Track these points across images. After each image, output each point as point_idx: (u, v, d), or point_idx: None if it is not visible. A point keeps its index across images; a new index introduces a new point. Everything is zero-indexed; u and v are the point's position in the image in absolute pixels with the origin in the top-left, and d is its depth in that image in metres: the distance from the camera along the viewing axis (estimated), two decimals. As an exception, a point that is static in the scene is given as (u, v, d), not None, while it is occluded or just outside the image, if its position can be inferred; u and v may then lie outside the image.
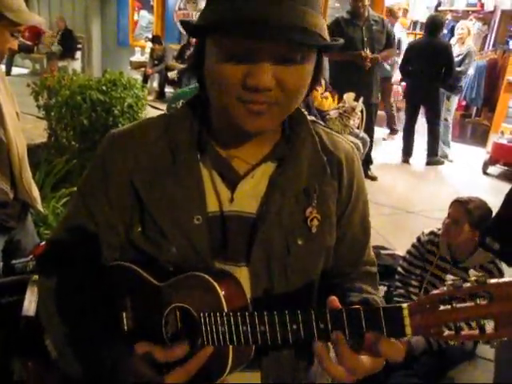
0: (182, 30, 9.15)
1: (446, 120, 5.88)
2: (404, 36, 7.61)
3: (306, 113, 0.84)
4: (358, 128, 4.33)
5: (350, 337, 0.63)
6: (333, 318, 0.63)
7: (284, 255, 0.78)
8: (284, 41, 0.62)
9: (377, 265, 0.95)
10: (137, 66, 8.99)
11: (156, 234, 0.77)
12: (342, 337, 0.62)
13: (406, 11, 8.86)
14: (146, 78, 8.20)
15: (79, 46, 9.78)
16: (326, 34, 0.67)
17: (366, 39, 4.40)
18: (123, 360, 0.72)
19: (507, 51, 7.82)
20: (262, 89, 0.64)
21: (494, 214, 1.98)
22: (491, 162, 5.53)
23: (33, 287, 1.40)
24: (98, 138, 3.26)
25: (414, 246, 2.35)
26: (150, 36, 9.20)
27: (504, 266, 2.08)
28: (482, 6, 8.27)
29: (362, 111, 4.28)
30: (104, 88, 3.37)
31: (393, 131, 6.73)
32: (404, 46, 6.48)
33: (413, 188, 5.00)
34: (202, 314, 0.70)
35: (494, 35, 8.57)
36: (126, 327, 0.78)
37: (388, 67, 6.52)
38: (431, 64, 5.15)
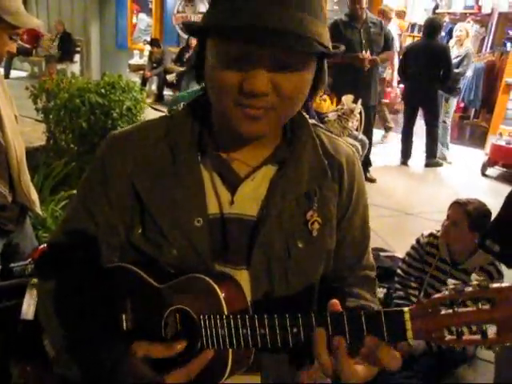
0: (180, 32, 9.18)
1: (444, 122, 5.88)
2: (395, 36, 7.61)
3: (307, 116, 0.84)
4: (356, 130, 4.33)
5: (351, 340, 0.63)
6: (333, 321, 0.63)
7: (284, 258, 0.78)
8: (280, 46, 0.62)
9: (376, 268, 0.95)
10: (135, 68, 9.00)
11: (156, 236, 0.77)
12: (343, 343, 0.62)
13: (403, 13, 8.89)
14: (144, 81, 8.21)
15: (78, 48, 9.79)
16: (326, 41, 0.67)
17: (364, 41, 4.41)
18: (123, 361, 0.72)
19: (505, 53, 7.84)
20: (258, 94, 0.64)
21: (492, 215, 1.98)
22: (490, 163, 5.54)
23: (31, 291, 1.40)
24: (96, 140, 3.25)
25: (413, 247, 2.35)
26: (149, 39, 9.22)
27: (504, 268, 2.08)
28: (480, 8, 8.29)
29: (360, 113, 4.29)
30: (103, 91, 3.37)
31: (387, 129, 6.71)
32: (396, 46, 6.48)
33: (412, 190, 5.00)
34: (201, 317, 0.69)
35: (491, 37, 8.60)
36: (125, 329, 0.78)
37: (381, 69, 6.53)
38: (429, 66, 5.16)
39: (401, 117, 6.34)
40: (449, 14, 8.78)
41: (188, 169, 0.77)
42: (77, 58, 9.77)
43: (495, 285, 0.55)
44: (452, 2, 8.58)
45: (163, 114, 0.91)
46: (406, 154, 5.76)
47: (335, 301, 0.65)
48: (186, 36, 8.70)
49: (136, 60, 9.36)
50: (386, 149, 6.27)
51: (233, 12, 0.62)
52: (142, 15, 10.36)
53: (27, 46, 9.40)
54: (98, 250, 0.82)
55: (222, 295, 0.69)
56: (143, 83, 7.96)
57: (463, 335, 0.57)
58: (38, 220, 2.47)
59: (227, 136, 0.78)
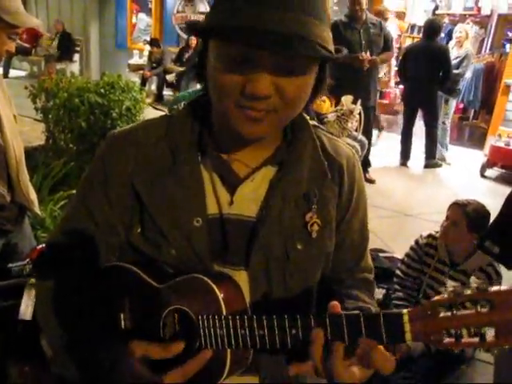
0: (180, 32, 9.18)
1: (443, 123, 5.89)
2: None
3: (308, 117, 0.84)
4: (356, 131, 4.33)
5: (349, 342, 0.63)
6: (332, 323, 0.63)
7: (283, 260, 0.77)
8: (281, 50, 0.61)
9: (375, 268, 0.95)
10: (135, 68, 8.99)
11: (155, 235, 0.77)
12: (341, 348, 0.63)
13: (403, 14, 8.90)
14: (144, 81, 8.21)
15: (77, 48, 9.77)
16: (330, 45, 0.67)
17: (364, 42, 4.41)
18: (121, 361, 0.71)
19: (504, 54, 7.85)
20: (260, 97, 0.64)
21: (491, 216, 1.98)
22: (489, 164, 5.55)
23: (29, 291, 1.39)
24: (96, 140, 3.25)
25: (412, 248, 2.35)
26: (149, 39, 9.21)
27: (502, 269, 2.08)
28: (479, 9, 8.30)
29: (359, 114, 4.29)
30: (102, 91, 3.37)
31: (381, 129, 6.69)
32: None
33: (411, 191, 5.00)
34: (200, 317, 0.69)
35: (490, 39, 8.61)
36: (123, 328, 0.78)
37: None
38: (429, 67, 5.16)
39: (400, 118, 6.34)
40: (448, 15, 8.78)
41: (188, 169, 0.77)
42: (76, 57, 9.76)
43: (494, 288, 0.55)
44: (451, 3, 8.59)
45: (163, 114, 0.91)
46: (405, 154, 5.76)
47: (335, 303, 0.65)
48: (185, 36, 8.70)
49: (135, 60, 9.36)
50: (385, 150, 6.28)
51: (233, 13, 0.62)
52: (142, 15, 10.35)
53: (26, 45, 9.38)
54: (97, 250, 0.82)
55: (220, 296, 0.68)
56: (143, 83, 7.96)
57: (462, 338, 0.57)
58: (36, 220, 2.46)
59: (227, 136, 0.78)
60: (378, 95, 6.31)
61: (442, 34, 7.15)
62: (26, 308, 1.36)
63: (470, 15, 8.50)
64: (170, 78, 8.18)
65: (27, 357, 1.39)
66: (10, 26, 1.45)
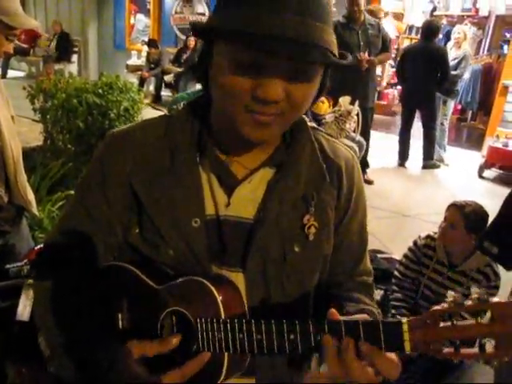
0: (178, 33, 9.17)
1: (442, 124, 5.90)
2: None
3: (307, 119, 0.84)
4: (354, 131, 4.33)
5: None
6: (331, 329, 0.63)
7: (280, 262, 0.77)
8: (299, 57, 0.62)
9: (373, 270, 0.95)
10: (133, 69, 8.99)
11: (154, 236, 0.77)
12: (352, 344, 0.62)
13: (401, 15, 8.92)
14: (142, 82, 8.20)
15: (75, 49, 9.76)
16: (335, 49, 0.68)
17: (362, 43, 4.42)
18: (119, 361, 0.71)
19: (502, 55, 7.87)
20: (271, 101, 0.64)
21: (490, 217, 1.98)
22: (487, 165, 5.56)
23: (27, 292, 1.39)
24: (94, 141, 3.24)
25: (410, 249, 2.35)
26: (147, 39, 9.21)
27: (500, 270, 2.08)
28: (477, 11, 8.32)
29: (357, 115, 4.29)
30: (100, 91, 3.36)
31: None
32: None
33: (409, 192, 5.01)
34: (198, 320, 0.69)
35: (488, 40, 8.64)
36: (121, 328, 0.78)
37: None
38: (427, 68, 5.17)
39: (398, 119, 6.35)
40: (446, 16, 8.81)
41: (187, 169, 0.77)
42: (74, 58, 9.74)
43: (495, 299, 0.55)
44: (450, 4, 8.61)
45: (162, 114, 0.91)
46: (403, 155, 5.77)
47: (334, 311, 0.65)
48: (183, 37, 8.71)
49: (134, 60, 9.36)
50: (383, 150, 6.28)
51: (246, 18, 0.61)
52: (140, 16, 10.34)
53: (25, 45, 9.37)
54: (95, 250, 0.82)
55: (219, 298, 0.68)
56: (141, 84, 7.95)
57: (461, 348, 0.57)
58: (34, 221, 2.45)
59: (227, 138, 0.78)
60: (376, 96, 6.33)
61: (440, 35, 7.17)
62: (24, 309, 1.36)
63: (468, 16, 8.53)
64: (168, 78, 8.18)
65: (25, 357, 1.39)
66: (8, 28, 1.45)
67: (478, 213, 2.13)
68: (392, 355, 0.63)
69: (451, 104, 6.04)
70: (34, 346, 1.24)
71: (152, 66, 8.37)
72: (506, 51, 7.78)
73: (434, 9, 8.91)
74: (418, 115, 5.80)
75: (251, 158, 0.79)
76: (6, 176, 1.64)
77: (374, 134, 5.87)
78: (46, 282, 0.83)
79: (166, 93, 8.49)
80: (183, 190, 0.76)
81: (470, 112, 8.66)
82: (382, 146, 6.53)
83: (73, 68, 9.36)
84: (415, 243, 2.34)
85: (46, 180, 2.98)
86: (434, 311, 0.58)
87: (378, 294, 2.45)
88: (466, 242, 2.12)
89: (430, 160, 5.71)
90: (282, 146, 0.81)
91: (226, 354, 0.68)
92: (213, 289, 0.68)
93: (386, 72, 8.33)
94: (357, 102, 4.21)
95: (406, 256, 2.35)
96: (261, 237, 0.76)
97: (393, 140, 6.43)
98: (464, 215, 2.11)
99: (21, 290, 1.40)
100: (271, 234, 0.77)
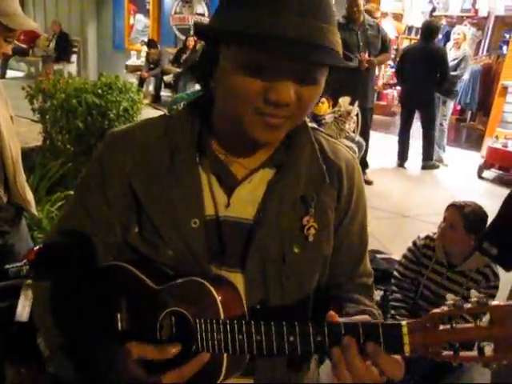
0: (178, 33, 9.17)
1: (441, 125, 5.91)
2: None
3: (307, 120, 0.84)
4: (353, 132, 4.33)
5: None
6: (331, 331, 0.63)
7: (280, 262, 0.77)
8: (310, 60, 0.62)
9: (373, 270, 0.95)
10: (132, 69, 8.99)
11: (153, 236, 0.77)
12: (354, 342, 0.61)
13: (400, 16, 8.92)
14: (141, 82, 8.20)
15: (75, 49, 9.76)
16: (340, 49, 0.68)
17: (361, 44, 4.42)
18: (118, 361, 0.71)
19: (501, 56, 7.88)
20: (284, 104, 0.64)
21: (489, 218, 1.98)
22: (486, 166, 5.56)
23: (26, 292, 1.39)
24: (93, 141, 3.24)
25: (409, 250, 2.35)
26: (146, 40, 9.20)
27: (500, 270, 2.08)
28: (476, 11, 8.34)
29: (357, 115, 4.29)
30: (99, 91, 3.36)
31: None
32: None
33: (408, 192, 5.01)
34: (197, 321, 0.69)
35: (487, 40, 8.65)
36: (120, 328, 0.78)
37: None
38: (426, 69, 5.17)
39: (398, 119, 6.35)
40: (446, 16, 8.82)
41: (186, 169, 0.77)
42: (74, 58, 9.73)
43: (494, 302, 0.55)
44: (449, 4, 8.62)
45: (162, 114, 0.91)
46: (402, 156, 5.78)
47: (333, 313, 0.65)
48: (183, 37, 8.71)
49: (133, 61, 9.35)
50: (382, 151, 6.29)
51: (255, 20, 0.61)
52: (140, 16, 10.34)
53: (24, 46, 9.36)
54: (95, 250, 0.82)
55: (218, 298, 0.68)
56: (140, 84, 7.95)
57: (460, 351, 0.57)
58: (33, 221, 2.45)
59: (227, 138, 0.78)
60: (375, 96, 6.34)
61: (440, 36, 7.18)
62: (23, 309, 1.35)
63: (467, 17, 8.54)
64: (168, 78, 8.18)
65: (24, 358, 1.39)
66: (7, 29, 1.44)
67: (478, 213, 2.13)
68: (396, 356, 0.62)
69: (450, 104, 6.05)
70: (33, 347, 1.24)
71: (151, 66, 8.37)
72: (505, 52, 7.79)
73: (434, 9, 8.92)
74: (417, 116, 5.80)
75: (251, 159, 0.79)
76: (5, 176, 1.63)
77: (374, 135, 5.88)
78: (45, 282, 0.83)
79: (165, 93, 8.49)
80: (183, 190, 0.76)
81: (470, 112, 8.67)
82: (382, 146, 6.54)
83: (72, 68, 9.35)
84: (414, 243, 2.34)
85: (45, 180, 2.98)
86: (434, 314, 0.58)
87: (377, 294, 2.45)
88: (465, 242, 2.12)
89: (429, 160, 5.72)
90: (281, 147, 0.80)
91: (225, 355, 0.68)
92: (212, 289, 0.68)
93: (382, 72, 8.34)
94: (356, 103, 4.22)
95: (405, 256, 2.35)
96: (260, 237, 0.76)
97: (392, 140, 6.43)
98: (463, 216, 2.11)
99: (20, 290, 1.40)
100: (271, 235, 0.76)
